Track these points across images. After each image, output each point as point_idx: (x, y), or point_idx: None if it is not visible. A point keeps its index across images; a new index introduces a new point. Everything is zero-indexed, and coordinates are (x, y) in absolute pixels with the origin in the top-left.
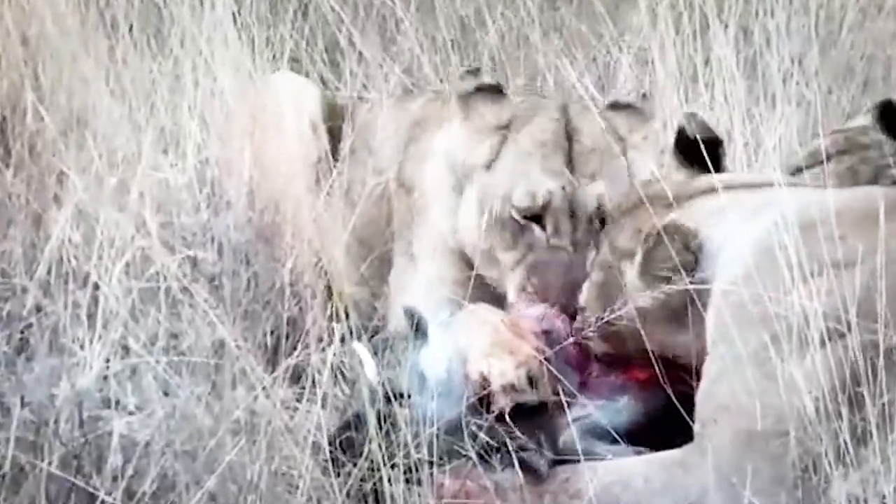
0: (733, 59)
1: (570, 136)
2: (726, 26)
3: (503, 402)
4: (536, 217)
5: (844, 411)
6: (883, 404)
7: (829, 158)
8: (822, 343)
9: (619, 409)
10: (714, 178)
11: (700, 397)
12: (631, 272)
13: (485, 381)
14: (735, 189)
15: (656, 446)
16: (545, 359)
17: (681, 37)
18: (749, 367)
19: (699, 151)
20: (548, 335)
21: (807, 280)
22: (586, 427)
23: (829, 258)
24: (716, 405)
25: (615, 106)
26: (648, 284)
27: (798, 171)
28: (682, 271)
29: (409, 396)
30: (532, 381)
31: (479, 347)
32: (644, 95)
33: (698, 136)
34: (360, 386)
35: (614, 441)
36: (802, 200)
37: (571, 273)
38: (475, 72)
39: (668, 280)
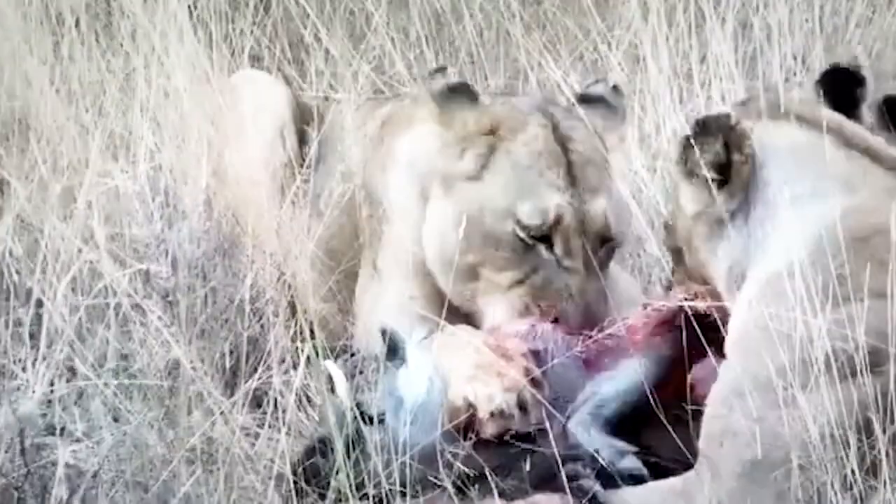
0: (731, 56)
1: (563, 144)
2: (724, 20)
3: (491, 430)
4: (544, 236)
5: (852, 438)
6: (894, 432)
7: None
8: (829, 366)
9: (625, 373)
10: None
11: (708, 415)
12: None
13: (470, 407)
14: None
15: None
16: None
17: (674, 32)
18: (760, 391)
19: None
20: (536, 355)
21: (820, 302)
22: (591, 413)
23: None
24: (723, 427)
25: (587, 100)
26: (694, 189)
27: None
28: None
29: (382, 421)
30: (522, 407)
31: (462, 371)
32: (615, 88)
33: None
34: (327, 410)
35: (618, 429)
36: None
37: (588, 297)
38: (442, 70)
39: (711, 180)
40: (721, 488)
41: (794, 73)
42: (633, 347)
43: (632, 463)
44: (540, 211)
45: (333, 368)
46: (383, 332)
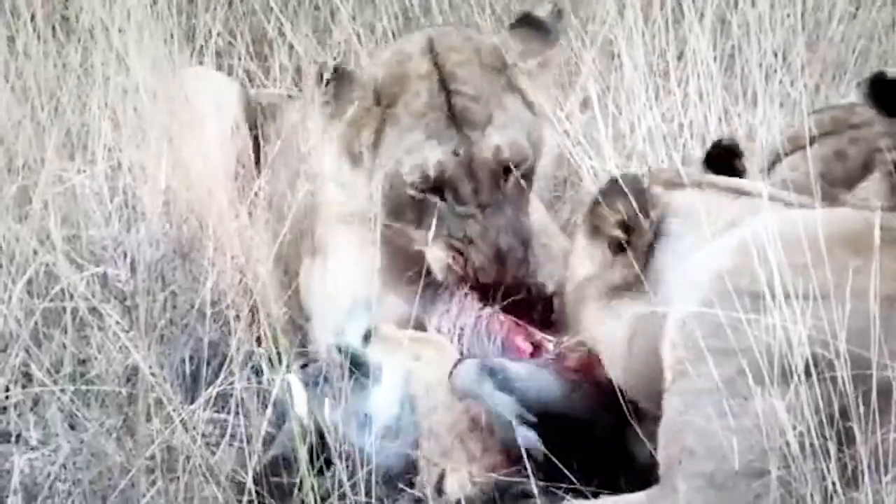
0: (709, 52)
1: (446, 87)
2: (702, 16)
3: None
4: (436, 188)
5: (832, 448)
6: (876, 442)
7: (812, 141)
8: (808, 373)
9: (537, 375)
10: (703, 176)
11: (661, 437)
12: (579, 237)
13: (439, 483)
14: (719, 190)
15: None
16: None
17: (651, 28)
18: (716, 402)
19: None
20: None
21: (791, 304)
22: (492, 365)
23: (817, 282)
24: (679, 447)
25: (519, 24)
26: (594, 249)
27: (776, 160)
28: (633, 227)
29: (345, 439)
30: (491, 499)
31: (438, 440)
32: (559, 12)
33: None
34: (290, 421)
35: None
36: (787, 216)
37: (492, 240)
38: (323, 65)
39: (616, 241)
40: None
41: (775, 70)
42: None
43: (529, 438)
44: (419, 167)
45: (294, 382)
46: (342, 350)
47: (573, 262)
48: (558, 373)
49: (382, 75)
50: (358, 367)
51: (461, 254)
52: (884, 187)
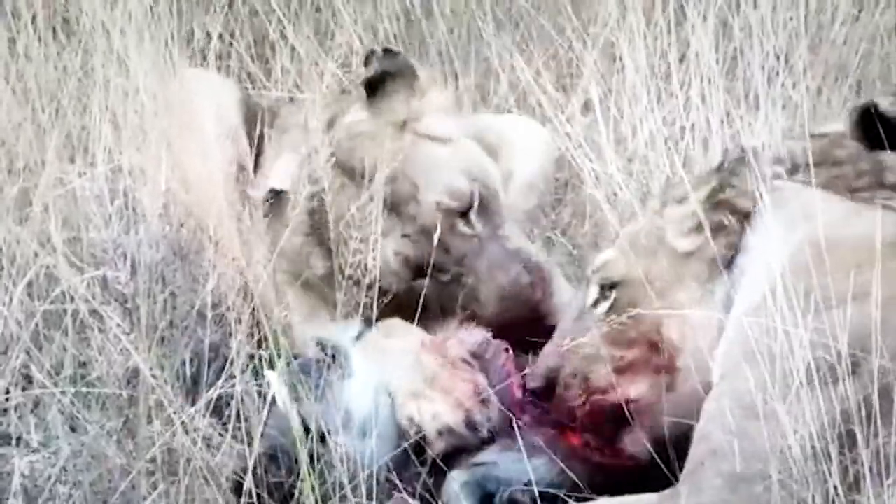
0: (712, 55)
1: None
2: (704, 18)
3: (439, 447)
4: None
5: (834, 452)
6: (878, 445)
7: (797, 169)
8: (810, 377)
9: (535, 468)
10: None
11: (695, 438)
12: (679, 210)
13: (416, 427)
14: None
15: None
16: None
17: (653, 30)
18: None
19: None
20: (480, 360)
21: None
22: (479, 476)
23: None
24: (707, 448)
25: (369, 87)
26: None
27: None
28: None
29: (329, 433)
30: (471, 425)
31: (406, 385)
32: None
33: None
34: (283, 420)
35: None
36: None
37: (493, 278)
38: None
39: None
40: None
41: (777, 73)
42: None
43: None
44: (385, 270)
45: (273, 379)
46: (320, 344)
47: (669, 240)
48: (560, 452)
49: None
50: (337, 361)
51: (465, 309)
52: None
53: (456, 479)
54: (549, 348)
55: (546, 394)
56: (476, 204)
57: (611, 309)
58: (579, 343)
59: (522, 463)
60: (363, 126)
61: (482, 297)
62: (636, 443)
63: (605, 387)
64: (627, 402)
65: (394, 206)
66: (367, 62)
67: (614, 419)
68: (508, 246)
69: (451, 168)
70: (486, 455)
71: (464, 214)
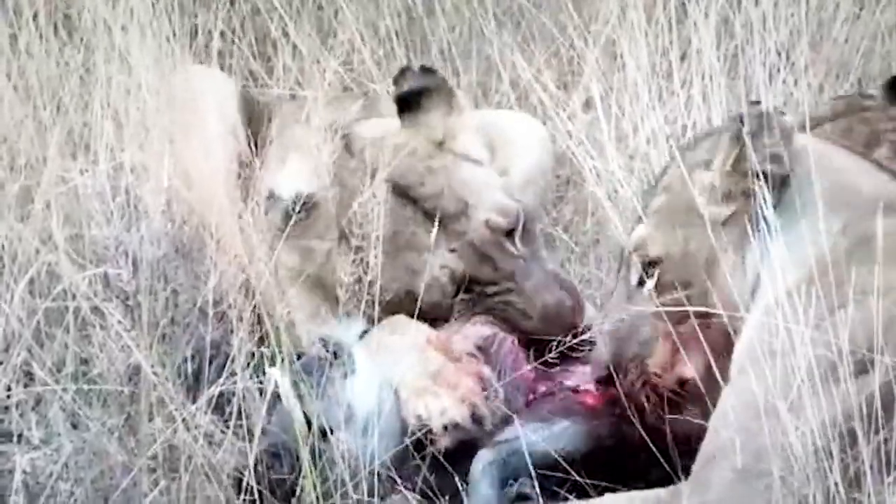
0: (713, 52)
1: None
2: (706, 16)
3: (445, 443)
4: (457, 285)
5: (835, 450)
6: (878, 442)
7: (826, 121)
8: (811, 373)
9: (558, 434)
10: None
11: (707, 434)
12: (708, 177)
13: (422, 423)
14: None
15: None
16: (488, 379)
17: (654, 28)
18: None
19: None
20: (486, 353)
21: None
22: (505, 452)
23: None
24: (714, 445)
25: (405, 102)
26: (728, 190)
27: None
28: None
29: (332, 431)
30: (477, 419)
31: (411, 382)
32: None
33: None
34: (285, 417)
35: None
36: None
37: (538, 297)
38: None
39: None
40: (706, 499)
41: (778, 70)
42: (581, 409)
43: None
44: (433, 285)
45: (277, 375)
46: (323, 342)
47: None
48: (579, 414)
49: None
50: (339, 359)
51: (508, 321)
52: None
53: (482, 459)
54: (604, 336)
55: (609, 381)
56: (521, 224)
57: (657, 285)
58: (635, 325)
59: (544, 429)
60: (400, 138)
61: (527, 314)
62: (688, 421)
63: (662, 369)
64: (683, 382)
65: (441, 222)
66: (399, 79)
67: (672, 401)
68: (547, 268)
69: (497, 188)
70: (508, 432)
71: (509, 234)
